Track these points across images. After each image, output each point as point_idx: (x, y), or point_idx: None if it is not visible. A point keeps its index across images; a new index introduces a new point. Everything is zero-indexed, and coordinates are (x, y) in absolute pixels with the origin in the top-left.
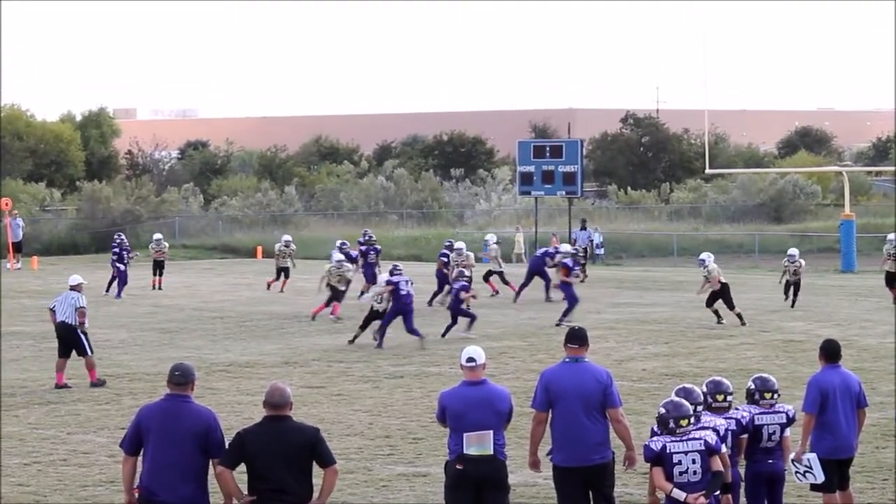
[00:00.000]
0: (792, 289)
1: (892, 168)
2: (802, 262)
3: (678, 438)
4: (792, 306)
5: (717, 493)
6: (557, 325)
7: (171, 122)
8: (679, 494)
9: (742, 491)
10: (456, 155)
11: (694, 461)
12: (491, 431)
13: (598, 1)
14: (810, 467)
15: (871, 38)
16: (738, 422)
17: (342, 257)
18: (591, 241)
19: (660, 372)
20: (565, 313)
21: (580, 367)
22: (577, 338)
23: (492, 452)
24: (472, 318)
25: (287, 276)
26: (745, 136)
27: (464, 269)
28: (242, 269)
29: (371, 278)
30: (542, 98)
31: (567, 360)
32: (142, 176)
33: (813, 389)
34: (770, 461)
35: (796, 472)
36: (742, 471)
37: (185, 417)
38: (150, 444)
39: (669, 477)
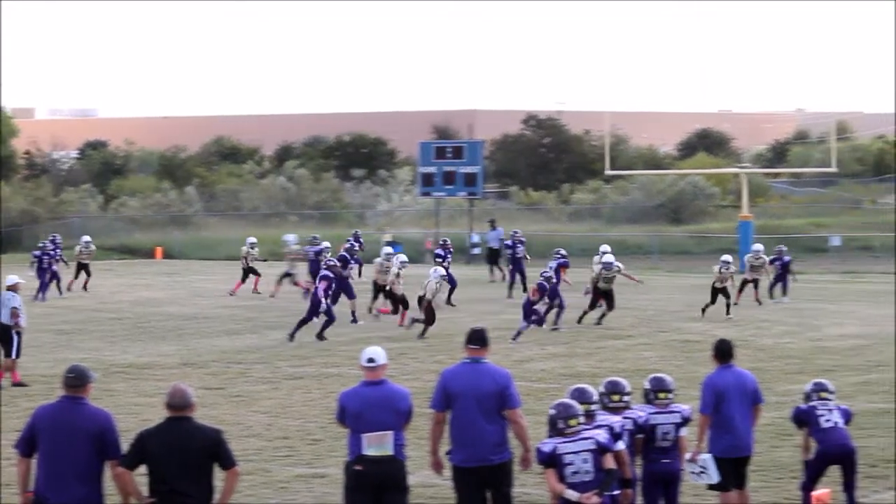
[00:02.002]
0: (719, 296)
1: (790, 170)
2: (733, 268)
3: (569, 439)
4: (727, 313)
5: (616, 491)
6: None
7: (70, 121)
8: (572, 495)
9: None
10: (357, 156)
11: (585, 461)
12: (390, 432)
13: (498, 1)
14: (705, 468)
15: (769, 40)
16: (634, 421)
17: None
18: (502, 240)
19: (558, 372)
20: (557, 315)
21: (479, 367)
22: (477, 339)
23: (391, 453)
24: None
25: (257, 274)
26: (645, 137)
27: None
28: (141, 269)
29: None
30: (444, 99)
31: (467, 360)
32: (40, 176)
33: (707, 390)
34: (665, 461)
35: (692, 473)
36: (639, 470)
37: (80, 419)
38: (44, 445)
39: (562, 478)
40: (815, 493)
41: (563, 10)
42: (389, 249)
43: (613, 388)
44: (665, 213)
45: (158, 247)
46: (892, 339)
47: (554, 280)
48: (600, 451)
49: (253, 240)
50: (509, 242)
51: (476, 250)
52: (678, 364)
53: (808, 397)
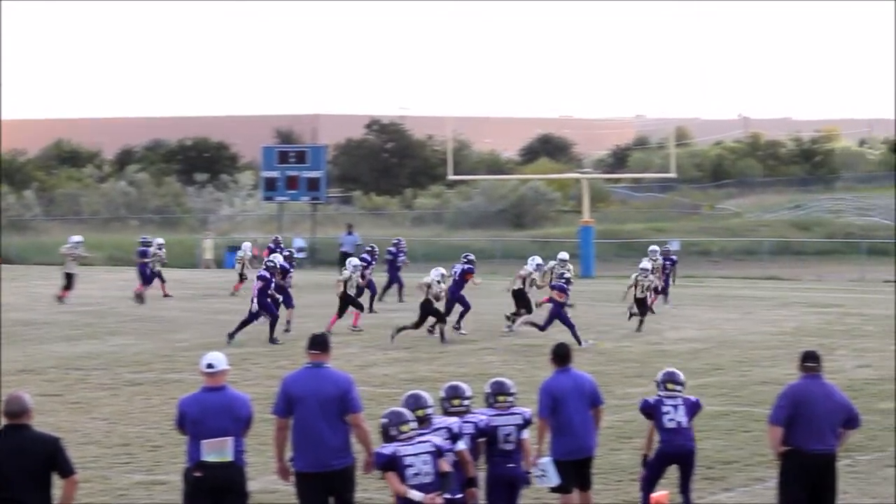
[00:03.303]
0: (636, 307)
1: (630, 175)
2: (652, 276)
3: (408, 443)
4: (638, 329)
5: (459, 494)
6: (456, 328)
7: None
8: (416, 495)
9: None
10: (199, 160)
11: (425, 463)
12: (230, 438)
13: (339, 2)
14: (545, 472)
15: (609, 47)
16: (475, 425)
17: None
18: (358, 245)
19: (401, 377)
20: (461, 316)
21: (321, 372)
22: (318, 343)
23: (231, 459)
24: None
25: (163, 280)
26: (487, 142)
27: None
28: None
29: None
30: (288, 104)
31: (308, 365)
32: None
33: (544, 394)
34: (509, 465)
35: (534, 476)
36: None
37: None
38: None
39: (404, 480)
40: (653, 495)
41: (405, 15)
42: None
43: (454, 393)
44: (507, 218)
45: None
46: (729, 343)
47: (455, 284)
48: (438, 453)
49: (161, 241)
50: (391, 249)
51: (301, 254)
52: (520, 368)
53: (658, 386)
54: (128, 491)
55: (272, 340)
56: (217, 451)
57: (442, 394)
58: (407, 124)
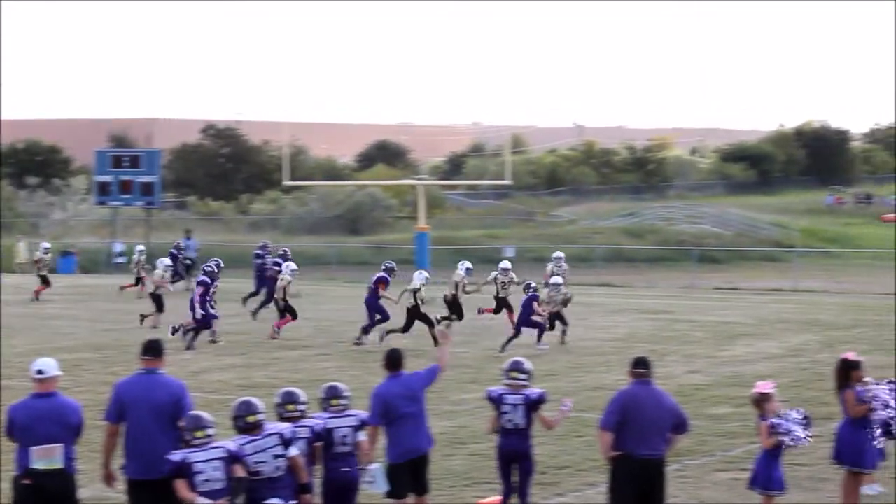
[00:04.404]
0: (553, 320)
1: (466, 182)
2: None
3: (199, 449)
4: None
5: (293, 502)
6: (356, 342)
7: None
8: (203, 501)
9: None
10: (31, 163)
11: (216, 469)
12: (60, 445)
13: (174, 4)
14: (374, 478)
15: (448, 54)
16: (311, 429)
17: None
18: (198, 250)
19: (235, 383)
20: (370, 326)
21: (153, 378)
22: (152, 350)
23: (61, 466)
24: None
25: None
26: (324, 148)
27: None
28: None
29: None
30: (123, 107)
31: (141, 371)
32: None
33: (375, 400)
34: (344, 469)
35: (364, 482)
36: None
37: None
38: None
39: (194, 486)
40: (483, 501)
41: (241, 18)
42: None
43: (289, 399)
44: (343, 224)
45: None
46: (562, 349)
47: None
48: (231, 459)
49: (46, 245)
50: (258, 252)
51: (120, 259)
52: (354, 374)
53: (503, 375)
54: None
55: (189, 345)
56: (46, 458)
57: (277, 399)
58: (243, 129)
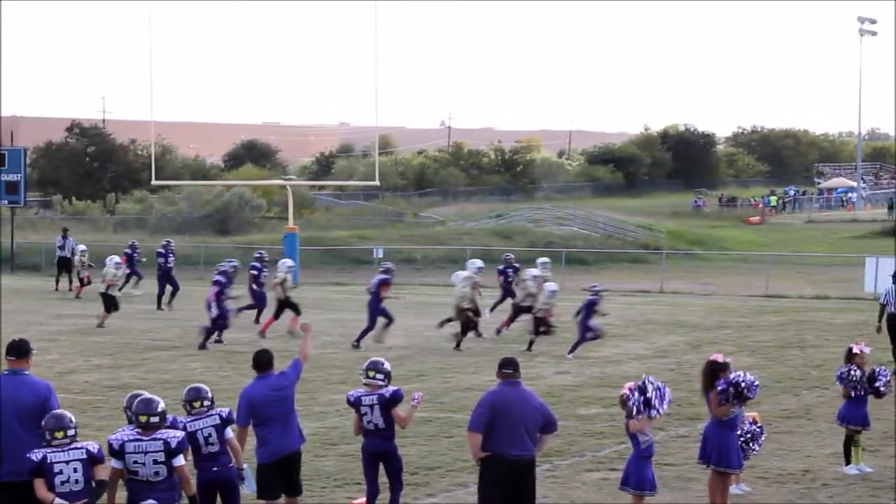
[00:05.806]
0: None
1: (335, 182)
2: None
3: (60, 449)
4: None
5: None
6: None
7: None
8: (61, 502)
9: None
10: None
11: (76, 470)
12: None
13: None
14: (243, 479)
15: (314, 54)
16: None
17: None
18: (73, 249)
19: (104, 384)
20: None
21: (18, 379)
22: (16, 350)
23: None
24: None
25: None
26: (192, 147)
27: None
28: None
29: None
30: None
31: (6, 372)
32: None
33: (242, 401)
34: (215, 469)
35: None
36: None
37: None
38: None
39: (52, 487)
40: (355, 502)
41: (104, 15)
42: (290, 262)
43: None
44: (211, 224)
45: None
46: (432, 350)
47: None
48: (91, 461)
49: (83, 247)
50: (161, 251)
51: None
52: (224, 374)
53: (363, 375)
54: None
55: (203, 347)
56: None
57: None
58: (109, 128)
